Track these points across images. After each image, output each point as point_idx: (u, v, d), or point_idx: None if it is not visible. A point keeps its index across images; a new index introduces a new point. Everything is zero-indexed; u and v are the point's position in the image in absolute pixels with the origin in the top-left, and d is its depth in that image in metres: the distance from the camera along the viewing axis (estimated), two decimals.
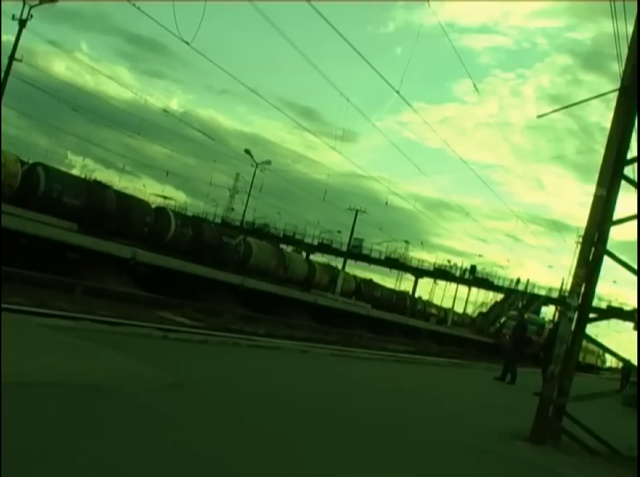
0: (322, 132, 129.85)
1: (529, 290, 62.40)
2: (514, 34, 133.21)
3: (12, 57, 27.93)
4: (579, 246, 8.71)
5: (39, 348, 5.72)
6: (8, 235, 16.41)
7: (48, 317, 8.62)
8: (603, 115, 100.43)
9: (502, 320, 52.24)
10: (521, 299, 58.82)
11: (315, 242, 66.67)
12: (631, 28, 7.32)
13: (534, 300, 59.56)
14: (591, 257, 6.90)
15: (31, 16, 27.93)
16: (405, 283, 69.74)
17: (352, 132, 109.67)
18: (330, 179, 54.50)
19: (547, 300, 61.89)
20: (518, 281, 63.81)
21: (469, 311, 67.50)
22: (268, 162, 50.03)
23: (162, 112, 40.44)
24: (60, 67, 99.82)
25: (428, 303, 61.27)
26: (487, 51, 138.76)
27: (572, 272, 7.52)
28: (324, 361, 11.58)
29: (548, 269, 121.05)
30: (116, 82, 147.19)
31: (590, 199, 6.92)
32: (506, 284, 63.63)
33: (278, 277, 32.49)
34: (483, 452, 5.95)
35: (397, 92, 19.19)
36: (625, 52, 7.33)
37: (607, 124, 7.07)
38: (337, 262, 55.11)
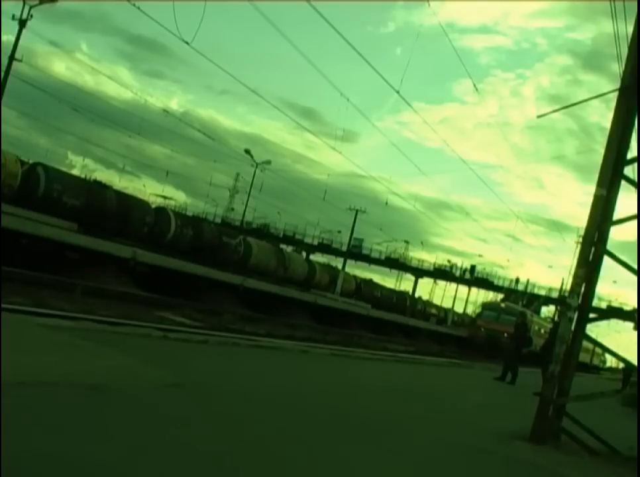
0: (323, 132, 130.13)
1: (529, 290, 62.39)
2: (514, 34, 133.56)
3: (12, 57, 27.94)
4: (579, 246, 8.71)
5: (39, 348, 5.72)
6: (8, 235, 16.41)
7: (48, 317, 8.63)
8: (603, 115, 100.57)
9: (478, 310, 48.65)
10: (521, 299, 58.75)
11: (315, 242, 66.66)
12: (630, 28, 7.32)
13: (534, 300, 59.51)
14: (591, 257, 6.90)
15: (31, 16, 27.96)
16: (405, 283, 69.81)
17: (352, 132, 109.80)
18: (330, 179, 54.52)
19: (547, 300, 61.88)
20: (517, 281, 63.81)
21: (469, 311, 67.55)
22: (268, 162, 50.08)
23: (162, 112, 40.41)
24: (60, 67, 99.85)
25: (428, 303, 61.28)
26: (487, 51, 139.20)
27: (572, 272, 7.52)
28: (324, 361, 11.58)
29: (548, 269, 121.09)
30: (117, 82, 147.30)
31: (590, 199, 6.92)
32: (506, 284, 63.64)
33: (278, 277, 32.50)
34: (483, 452, 5.95)
35: (397, 92, 19.23)
36: (625, 52, 7.33)
37: (607, 124, 7.08)
38: (337, 262, 55.20)
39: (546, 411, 6.72)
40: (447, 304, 65.61)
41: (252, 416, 5.10)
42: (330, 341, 19.13)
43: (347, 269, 50.65)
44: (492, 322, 40.76)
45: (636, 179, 7.30)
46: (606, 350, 8.76)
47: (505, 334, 38.92)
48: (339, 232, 62.56)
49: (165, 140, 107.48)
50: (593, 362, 58.06)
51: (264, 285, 27.52)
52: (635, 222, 6.92)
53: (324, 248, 65.71)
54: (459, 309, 66.43)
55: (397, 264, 67.22)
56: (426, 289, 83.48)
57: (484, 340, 39.72)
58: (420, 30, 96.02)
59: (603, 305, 54.52)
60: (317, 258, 58.67)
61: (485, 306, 46.82)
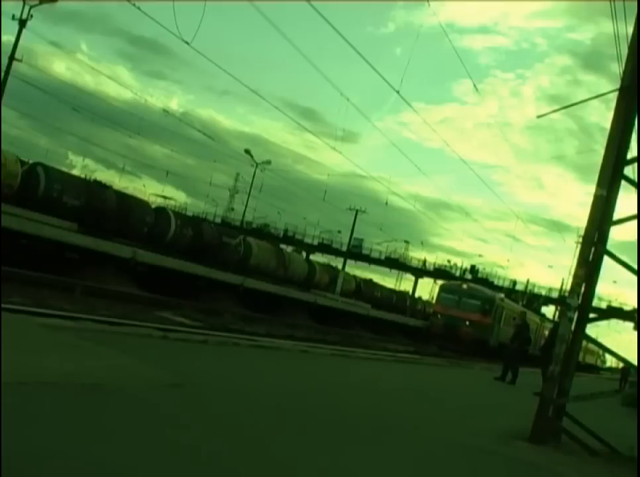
0: (323, 132, 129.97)
1: (529, 290, 62.36)
2: (514, 34, 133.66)
3: (12, 57, 27.92)
4: (579, 246, 8.71)
5: (39, 348, 5.73)
6: (8, 235, 16.41)
7: (48, 317, 8.62)
8: (603, 115, 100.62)
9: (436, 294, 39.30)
10: (521, 299, 58.70)
11: (315, 242, 66.66)
12: (630, 29, 7.32)
13: (534, 300, 59.47)
14: (591, 257, 6.90)
15: (31, 16, 27.93)
16: (405, 283, 69.76)
17: (352, 132, 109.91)
18: (331, 179, 54.41)
19: (547, 300, 61.86)
20: (514, 284, 63.65)
21: None
22: (268, 162, 50.10)
23: (162, 112, 40.39)
24: (60, 67, 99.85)
25: (429, 303, 61.20)
26: (486, 51, 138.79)
27: (572, 272, 7.52)
28: (324, 361, 11.58)
29: (548, 269, 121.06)
30: (117, 82, 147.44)
31: (590, 199, 6.93)
32: (506, 284, 63.62)
33: (278, 277, 32.48)
34: (483, 452, 5.95)
35: (397, 92, 19.21)
36: (625, 52, 7.33)
37: (607, 124, 7.08)
38: (337, 262, 55.15)
39: (546, 411, 6.72)
40: None
41: (252, 416, 5.10)
42: (330, 341, 19.13)
43: (347, 269, 50.63)
44: (452, 307, 34.34)
45: (636, 179, 7.30)
46: (606, 350, 8.76)
47: (467, 322, 33.32)
48: (339, 232, 62.62)
49: (165, 140, 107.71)
50: (586, 360, 53.90)
51: (264, 285, 27.54)
52: (635, 222, 6.92)
53: (324, 248, 65.71)
54: None
55: (397, 264, 67.20)
56: (426, 289, 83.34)
57: (442, 329, 33.93)
58: (420, 30, 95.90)
59: (603, 305, 54.62)
60: (317, 258, 58.67)
61: (444, 288, 37.89)
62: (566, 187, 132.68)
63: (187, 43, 16.78)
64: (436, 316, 35.66)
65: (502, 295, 39.95)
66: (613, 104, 7.05)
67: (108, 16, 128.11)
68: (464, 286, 36.60)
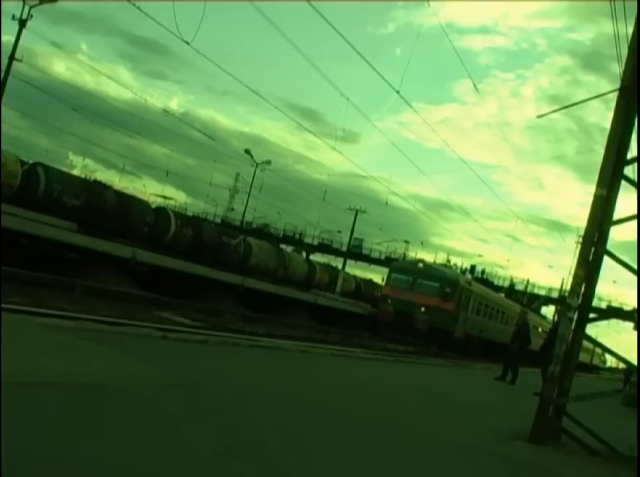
0: (323, 132, 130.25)
1: (529, 290, 62.35)
2: (513, 34, 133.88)
3: (12, 57, 27.92)
4: (579, 246, 8.72)
5: (39, 348, 5.72)
6: (8, 235, 16.41)
7: (48, 317, 8.62)
8: (603, 115, 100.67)
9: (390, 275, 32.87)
10: (521, 299, 58.66)
11: (315, 242, 66.63)
12: (630, 29, 7.32)
13: (534, 300, 59.44)
14: (591, 257, 6.90)
15: (31, 16, 27.93)
16: None
17: (352, 132, 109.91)
18: (331, 179, 54.38)
19: (547, 300, 61.84)
20: (513, 285, 63.56)
21: None
22: (268, 162, 50.11)
23: (162, 112, 40.34)
24: (60, 67, 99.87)
25: None
26: (486, 51, 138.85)
27: (572, 272, 7.52)
28: (324, 361, 11.58)
29: (548, 269, 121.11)
30: (117, 83, 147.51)
31: (590, 199, 6.92)
32: (506, 284, 63.60)
33: (278, 277, 32.47)
34: (483, 452, 5.95)
35: (397, 92, 19.24)
36: (624, 52, 7.33)
37: (607, 124, 7.08)
38: (337, 262, 55.13)
39: (546, 411, 6.72)
40: None
41: (253, 416, 5.10)
42: (330, 341, 19.14)
43: (347, 269, 50.63)
44: (405, 290, 29.25)
45: (636, 179, 7.30)
46: (606, 350, 8.76)
47: (423, 308, 28.53)
48: (339, 232, 62.57)
49: (165, 140, 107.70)
50: (581, 359, 53.15)
51: (264, 285, 27.54)
52: (635, 222, 6.92)
53: (324, 248, 65.65)
54: None
55: None
56: None
57: (392, 316, 28.78)
58: (420, 31, 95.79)
59: (603, 305, 54.62)
60: (317, 258, 58.58)
61: (395, 267, 32.89)
62: (566, 187, 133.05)
63: (187, 43, 16.81)
64: (386, 301, 29.92)
65: (468, 280, 34.06)
66: (613, 104, 7.06)
67: (109, 17, 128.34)
68: (420, 265, 31.31)
